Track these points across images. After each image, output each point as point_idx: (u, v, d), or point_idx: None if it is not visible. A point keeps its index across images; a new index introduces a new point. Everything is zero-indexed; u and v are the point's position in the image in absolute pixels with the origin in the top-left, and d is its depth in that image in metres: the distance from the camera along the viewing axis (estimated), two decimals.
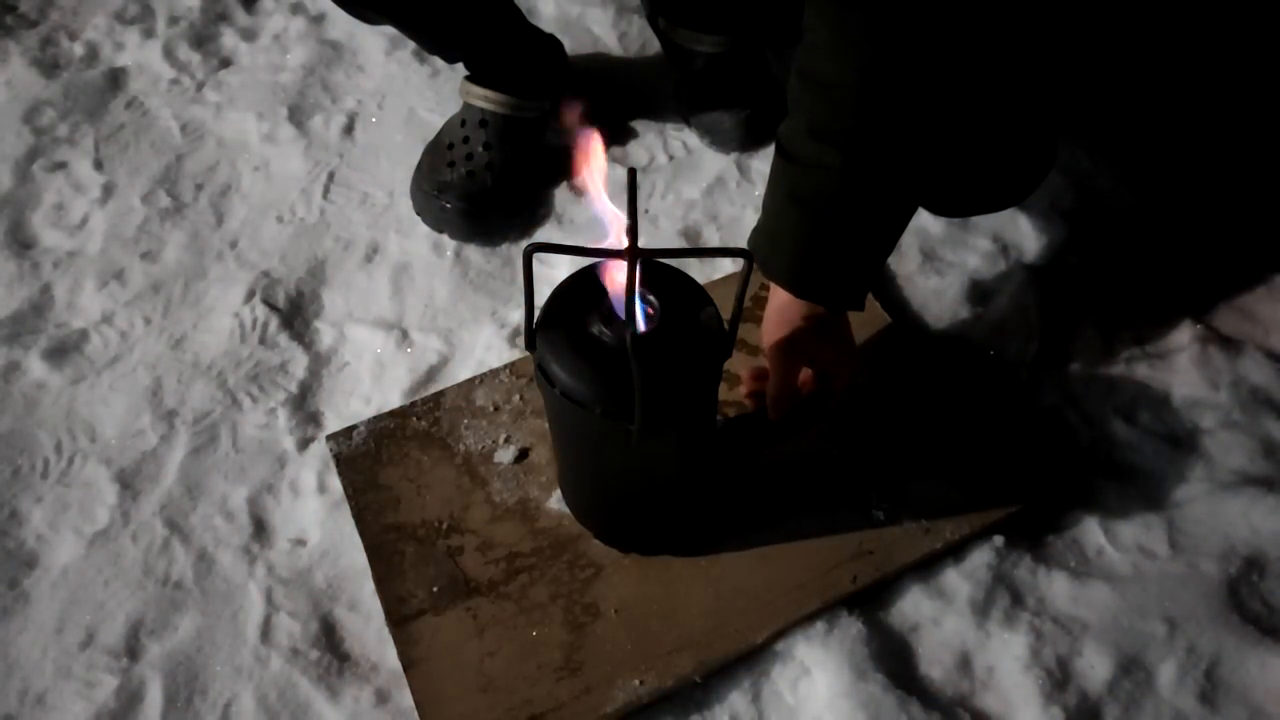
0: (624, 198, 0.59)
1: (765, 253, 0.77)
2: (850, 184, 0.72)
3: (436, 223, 1.06)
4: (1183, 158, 1.11)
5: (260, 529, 0.86)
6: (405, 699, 0.75)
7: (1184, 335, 0.95)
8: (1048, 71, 0.85)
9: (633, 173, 0.64)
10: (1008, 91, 0.80)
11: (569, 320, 0.66)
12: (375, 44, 1.25)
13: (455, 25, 1.01)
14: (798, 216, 0.75)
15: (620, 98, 1.19)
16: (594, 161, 0.62)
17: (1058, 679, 0.76)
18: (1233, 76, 1.18)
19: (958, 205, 0.95)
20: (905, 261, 1.02)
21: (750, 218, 1.06)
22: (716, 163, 1.12)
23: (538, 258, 0.61)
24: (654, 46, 1.23)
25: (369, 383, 0.95)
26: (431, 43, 1.06)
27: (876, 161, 0.72)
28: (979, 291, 0.99)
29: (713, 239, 1.05)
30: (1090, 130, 1.14)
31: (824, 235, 0.75)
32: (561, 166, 1.12)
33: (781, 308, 0.78)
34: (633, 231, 0.59)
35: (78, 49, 1.26)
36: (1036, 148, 0.89)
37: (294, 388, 0.94)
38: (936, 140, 0.74)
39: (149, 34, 1.28)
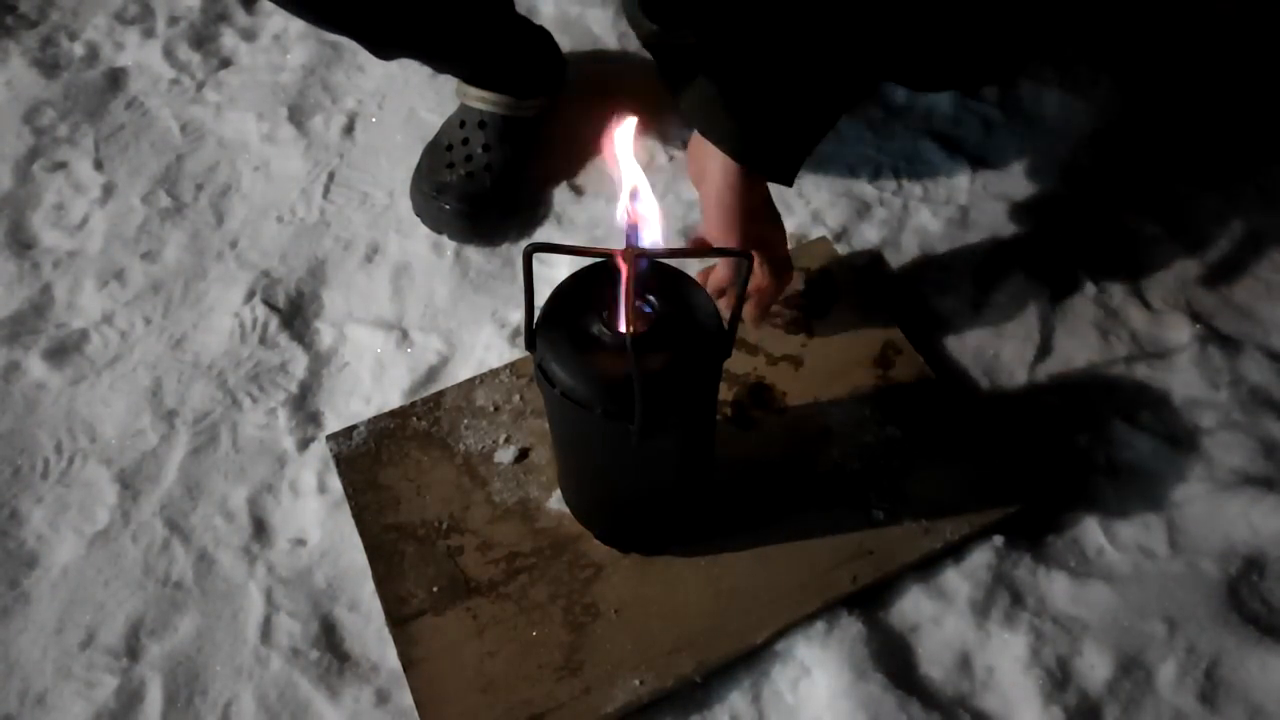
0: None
1: (695, 107, 0.77)
2: (785, 59, 0.72)
3: (436, 224, 1.06)
4: (1184, 156, 1.11)
5: (260, 529, 0.86)
6: (405, 699, 0.75)
7: (1184, 335, 0.95)
8: None
9: (631, 124, 0.64)
10: None
11: (569, 320, 0.66)
12: None
13: (467, 44, 1.01)
14: (731, 82, 0.75)
15: (620, 97, 1.18)
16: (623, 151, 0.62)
17: (1058, 679, 0.76)
18: (1234, 74, 1.18)
19: (930, 78, 0.93)
20: (905, 261, 1.02)
21: None
22: None
23: (538, 258, 0.61)
24: None
25: (369, 383, 0.95)
26: (449, 66, 1.06)
27: (813, 46, 0.71)
28: (979, 291, 0.99)
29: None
30: (1092, 128, 1.14)
31: (751, 102, 0.74)
32: (562, 166, 1.12)
33: (720, 197, 0.78)
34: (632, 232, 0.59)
35: (78, 49, 1.26)
36: (1016, 24, 0.88)
37: (294, 388, 0.94)
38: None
39: (149, 34, 1.28)
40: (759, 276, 0.84)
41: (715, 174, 0.78)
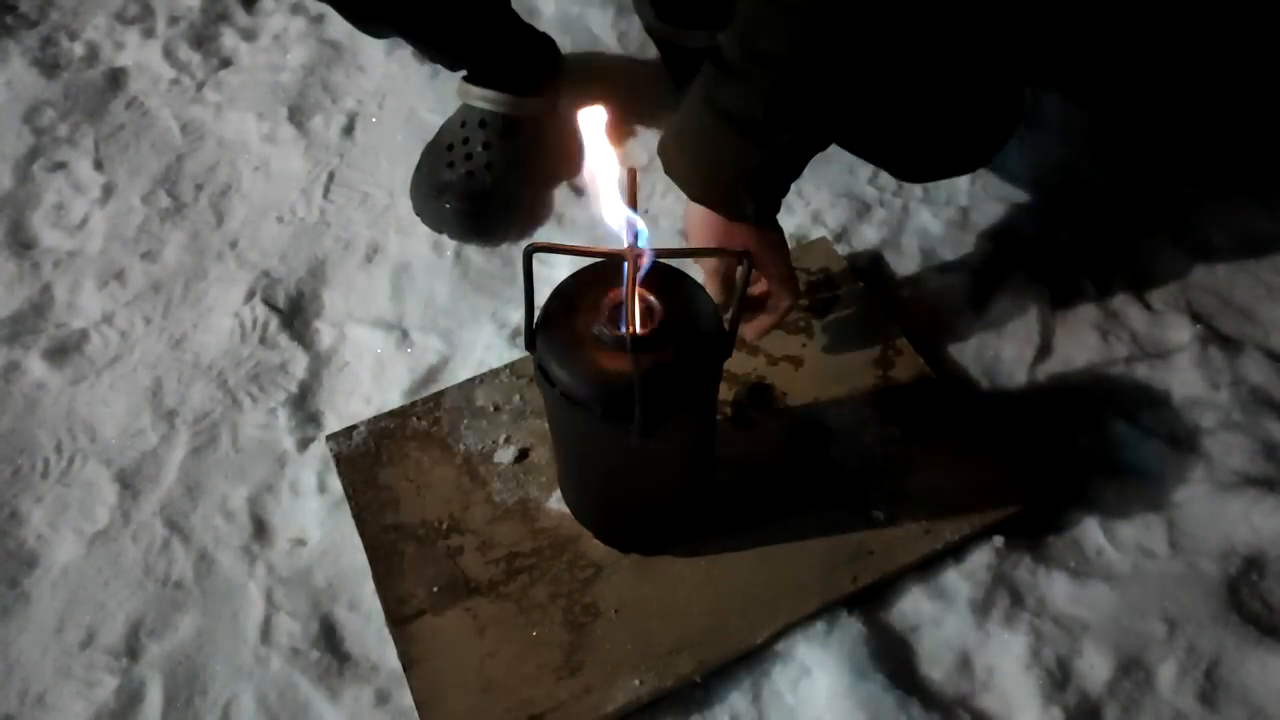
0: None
1: (672, 153, 0.76)
2: (771, 105, 0.70)
3: (436, 223, 1.06)
4: (1184, 157, 1.11)
5: (260, 529, 0.86)
6: (405, 699, 0.75)
7: (1184, 335, 0.95)
8: (1009, 23, 0.83)
9: (633, 172, 0.64)
10: (963, 41, 0.79)
11: (569, 320, 0.66)
12: (375, 44, 1.25)
13: (459, 31, 1.01)
14: (709, 123, 0.73)
15: (620, 97, 1.18)
16: (600, 155, 0.62)
17: (1058, 679, 0.76)
18: (1231, 71, 1.18)
19: (917, 168, 0.94)
20: (905, 261, 1.02)
21: None
22: None
23: (538, 258, 0.61)
24: (654, 46, 1.24)
25: (369, 383, 0.95)
26: (437, 51, 1.06)
27: (800, 93, 0.70)
28: (979, 291, 0.99)
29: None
30: (1092, 130, 1.14)
31: (728, 147, 0.73)
32: (562, 166, 1.12)
33: (703, 212, 0.77)
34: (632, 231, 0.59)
35: (78, 49, 1.26)
36: (997, 107, 0.88)
37: (294, 388, 0.94)
38: (874, 82, 0.72)
39: (149, 34, 1.28)
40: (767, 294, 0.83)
41: (696, 216, 0.77)
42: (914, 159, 0.92)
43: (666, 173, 0.77)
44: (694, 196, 0.76)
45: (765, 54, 0.69)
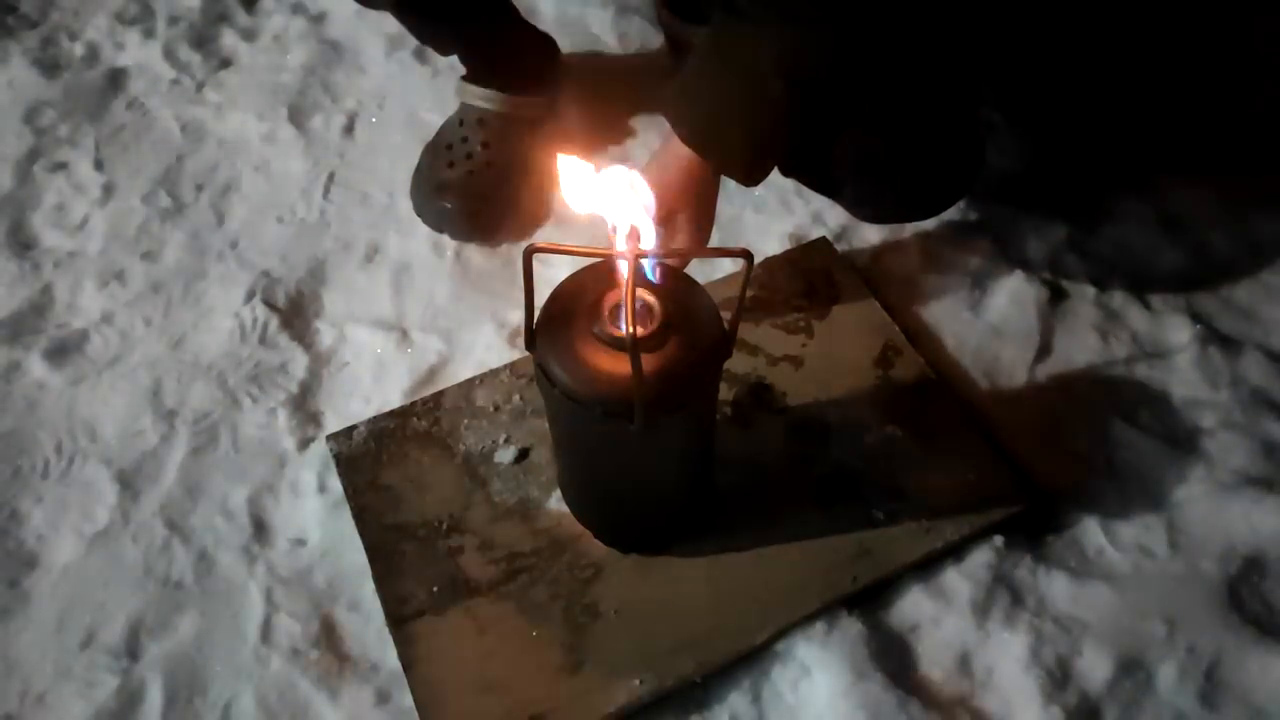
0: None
1: (674, 94, 0.77)
2: (779, 54, 0.72)
3: (436, 222, 1.06)
4: (1185, 157, 1.11)
5: (260, 529, 0.86)
6: (405, 699, 0.75)
7: (1184, 335, 0.95)
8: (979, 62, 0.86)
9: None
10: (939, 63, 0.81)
11: (569, 320, 0.66)
12: (375, 44, 1.25)
13: (454, 15, 1.01)
14: (715, 67, 0.75)
15: (619, 97, 1.18)
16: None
17: (1058, 679, 0.76)
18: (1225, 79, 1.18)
19: (878, 206, 0.94)
20: (905, 261, 1.02)
21: (750, 217, 1.06)
22: None
23: (538, 258, 0.61)
24: (653, 46, 1.24)
25: (369, 383, 0.95)
26: (428, 33, 1.06)
27: (804, 46, 0.72)
28: (979, 291, 0.99)
29: (713, 239, 1.04)
30: (1093, 129, 1.13)
31: (729, 92, 0.74)
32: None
33: (674, 154, 0.78)
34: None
35: (78, 49, 1.26)
36: (960, 152, 0.89)
37: (294, 388, 0.94)
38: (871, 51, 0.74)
39: (149, 34, 1.28)
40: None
41: (672, 158, 0.78)
42: (876, 195, 0.92)
43: (664, 114, 0.78)
44: (683, 136, 0.76)
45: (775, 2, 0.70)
